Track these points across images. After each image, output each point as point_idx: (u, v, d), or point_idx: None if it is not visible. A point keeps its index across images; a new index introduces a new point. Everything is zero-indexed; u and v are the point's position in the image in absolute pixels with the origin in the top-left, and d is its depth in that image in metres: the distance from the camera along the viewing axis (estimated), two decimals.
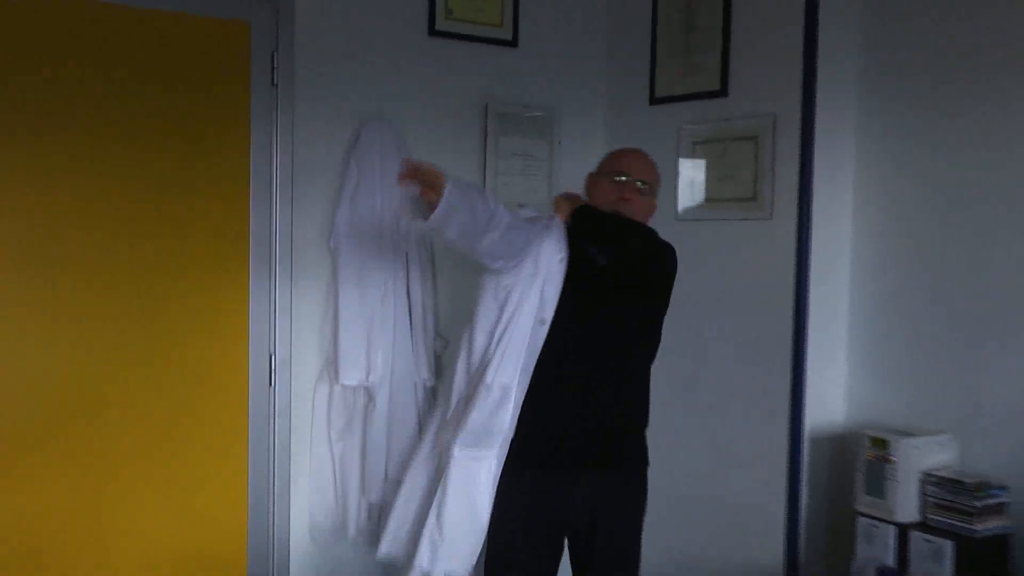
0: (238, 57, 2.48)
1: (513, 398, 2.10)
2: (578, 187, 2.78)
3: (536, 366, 2.14)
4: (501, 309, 2.12)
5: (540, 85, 3.02)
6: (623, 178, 2.23)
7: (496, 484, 2.13)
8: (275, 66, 2.54)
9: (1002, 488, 2.29)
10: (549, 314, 2.12)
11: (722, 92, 2.71)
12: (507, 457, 2.13)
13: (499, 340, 2.11)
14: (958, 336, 2.43)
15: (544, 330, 2.13)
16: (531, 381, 2.13)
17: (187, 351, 2.50)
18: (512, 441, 2.13)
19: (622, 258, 2.11)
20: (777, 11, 2.57)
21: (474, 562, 2.15)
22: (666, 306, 2.25)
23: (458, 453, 2.07)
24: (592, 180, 2.34)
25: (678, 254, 2.19)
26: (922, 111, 2.46)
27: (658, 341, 2.28)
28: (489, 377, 2.08)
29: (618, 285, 2.15)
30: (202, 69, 2.46)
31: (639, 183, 2.23)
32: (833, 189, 2.55)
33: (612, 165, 2.30)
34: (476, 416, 2.08)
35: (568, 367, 2.17)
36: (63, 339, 2.33)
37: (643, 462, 2.31)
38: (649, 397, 2.32)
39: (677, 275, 2.22)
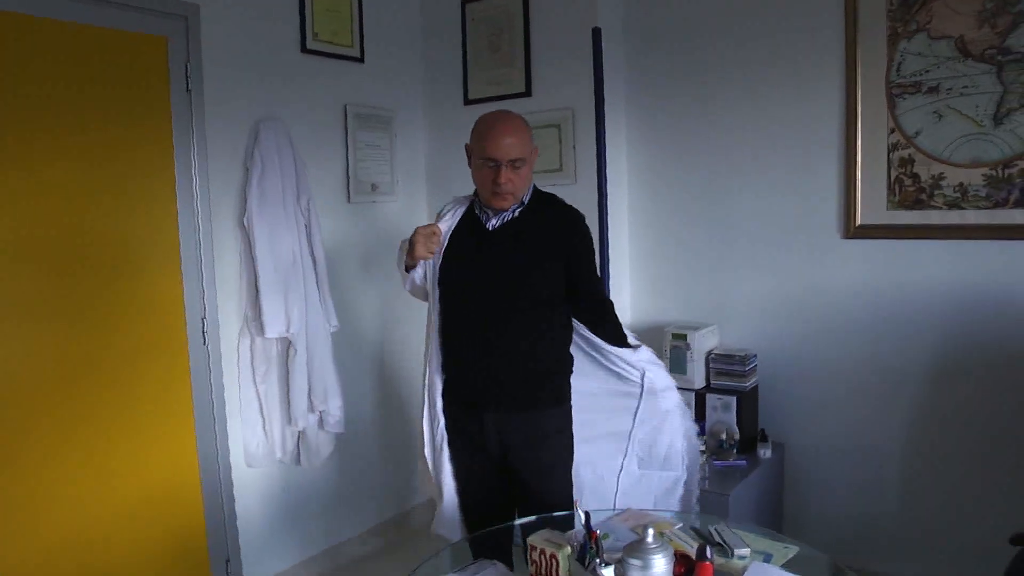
0: (159, 66, 2.85)
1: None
2: (412, 167, 3.54)
3: (442, 324, 2.42)
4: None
5: (381, 92, 3.69)
6: (493, 164, 2.25)
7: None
8: (188, 74, 2.92)
9: (755, 356, 3.26)
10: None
11: (527, 93, 3.58)
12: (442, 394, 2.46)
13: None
14: (707, 260, 3.41)
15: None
16: (442, 336, 2.42)
17: (135, 321, 2.81)
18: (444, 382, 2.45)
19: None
20: (565, 38, 3.44)
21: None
22: (546, 259, 2.34)
23: None
24: (470, 158, 2.35)
25: None
26: (666, 105, 3.45)
27: (544, 294, 2.35)
28: None
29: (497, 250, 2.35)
30: (130, 75, 2.76)
31: (511, 163, 2.25)
32: (615, 161, 3.47)
33: (485, 148, 2.26)
34: None
35: (458, 324, 2.39)
36: (34, 322, 2.57)
37: (550, 403, 2.39)
38: (555, 344, 2.41)
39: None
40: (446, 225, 2.42)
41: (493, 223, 2.37)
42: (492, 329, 2.33)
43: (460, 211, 2.45)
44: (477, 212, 2.41)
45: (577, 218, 2.44)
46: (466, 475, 2.47)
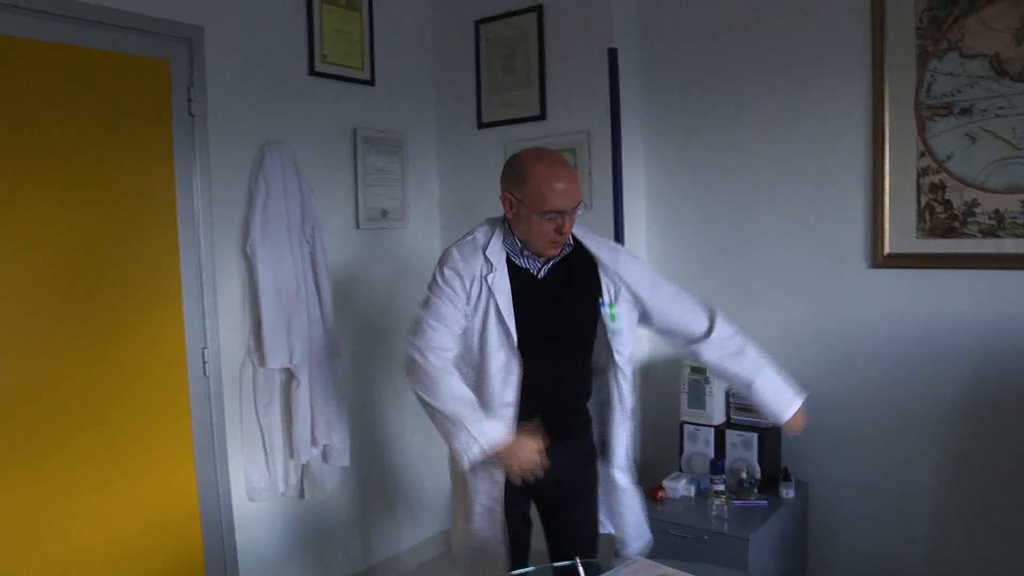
0: (161, 90, 2.79)
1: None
2: (424, 192, 3.48)
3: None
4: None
5: (392, 115, 3.60)
6: (555, 215, 2.12)
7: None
8: (191, 98, 2.85)
9: None
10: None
11: (541, 117, 3.48)
12: None
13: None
14: (728, 291, 3.22)
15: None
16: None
17: (134, 352, 2.73)
18: None
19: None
20: (581, 59, 3.34)
21: None
22: (593, 297, 2.28)
23: None
24: (518, 205, 2.15)
25: None
26: (685, 131, 3.31)
27: (592, 329, 2.33)
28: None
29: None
30: (131, 99, 2.70)
31: (571, 210, 2.16)
32: (633, 187, 3.35)
33: (547, 200, 2.10)
34: None
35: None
36: (31, 351, 2.50)
37: (587, 427, 2.42)
38: (587, 374, 2.39)
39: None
40: (492, 278, 2.20)
41: (543, 270, 2.25)
42: (556, 376, 2.28)
43: (501, 262, 2.22)
44: (519, 263, 2.24)
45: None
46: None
